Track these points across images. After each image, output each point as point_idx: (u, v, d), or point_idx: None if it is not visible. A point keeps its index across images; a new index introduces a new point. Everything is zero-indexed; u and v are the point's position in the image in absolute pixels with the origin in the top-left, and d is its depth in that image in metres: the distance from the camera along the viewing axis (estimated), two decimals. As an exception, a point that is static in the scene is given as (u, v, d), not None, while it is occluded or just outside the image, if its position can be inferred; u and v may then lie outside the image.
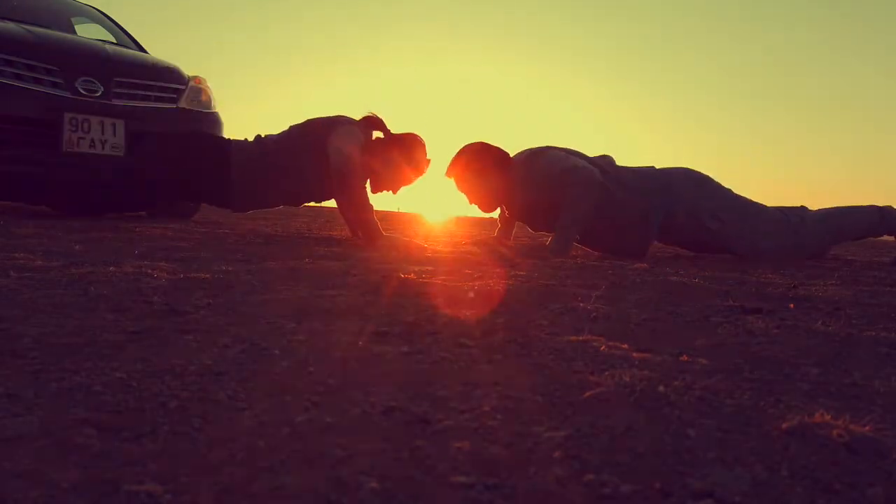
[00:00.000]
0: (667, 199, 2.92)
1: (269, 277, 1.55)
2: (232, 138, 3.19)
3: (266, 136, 3.11)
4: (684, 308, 1.40)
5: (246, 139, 3.15)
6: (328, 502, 0.46)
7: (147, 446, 0.55)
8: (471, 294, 1.43)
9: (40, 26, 3.84)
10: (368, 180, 3.05)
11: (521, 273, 1.92)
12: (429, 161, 3.08)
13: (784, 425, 0.65)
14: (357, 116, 3.04)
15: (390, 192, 3.11)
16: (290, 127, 3.08)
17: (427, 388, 0.74)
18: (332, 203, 3.14)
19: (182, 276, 1.49)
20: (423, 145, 3.05)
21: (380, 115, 3.05)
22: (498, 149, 2.94)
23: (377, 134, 3.07)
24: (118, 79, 3.66)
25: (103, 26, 4.73)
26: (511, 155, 2.97)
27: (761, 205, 3.09)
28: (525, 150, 2.96)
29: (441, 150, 3.57)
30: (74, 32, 4.39)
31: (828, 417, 0.65)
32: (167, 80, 3.92)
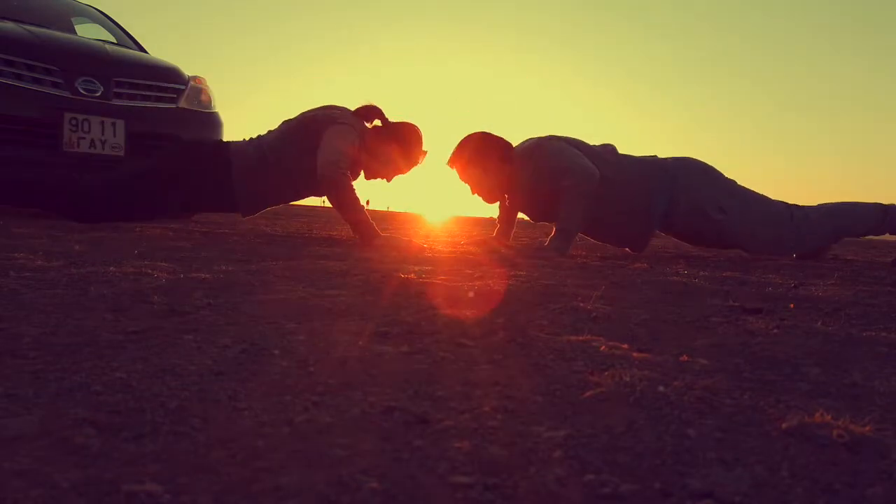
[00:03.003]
0: (669, 188, 2.91)
1: (269, 277, 1.55)
2: (230, 141, 3.13)
3: (263, 136, 3.06)
4: (684, 308, 1.40)
5: (244, 139, 3.09)
6: (328, 502, 0.46)
7: (147, 446, 0.55)
8: (471, 294, 1.43)
9: (40, 26, 3.85)
10: (363, 170, 3.04)
11: (521, 273, 1.92)
12: (425, 153, 3.06)
13: (784, 425, 0.65)
14: (355, 107, 3.02)
15: (384, 179, 3.10)
16: (284, 123, 3.02)
17: (427, 388, 0.74)
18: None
19: (182, 276, 1.49)
20: (420, 137, 3.03)
21: (378, 105, 3.02)
22: (500, 139, 2.94)
23: (376, 123, 3.05)
24: (118, 79, 3.66)
25: (103, 26, 4.73)
26: (513, 146, 2.97)
27: (766, 197, 3.08)
28: (527, 141, 2.97)
29: (441, 144, 3.56)
30: (74, 32, 4.39)
31: (828, 417, 0.65)
32: (167, 80, 3.92)
